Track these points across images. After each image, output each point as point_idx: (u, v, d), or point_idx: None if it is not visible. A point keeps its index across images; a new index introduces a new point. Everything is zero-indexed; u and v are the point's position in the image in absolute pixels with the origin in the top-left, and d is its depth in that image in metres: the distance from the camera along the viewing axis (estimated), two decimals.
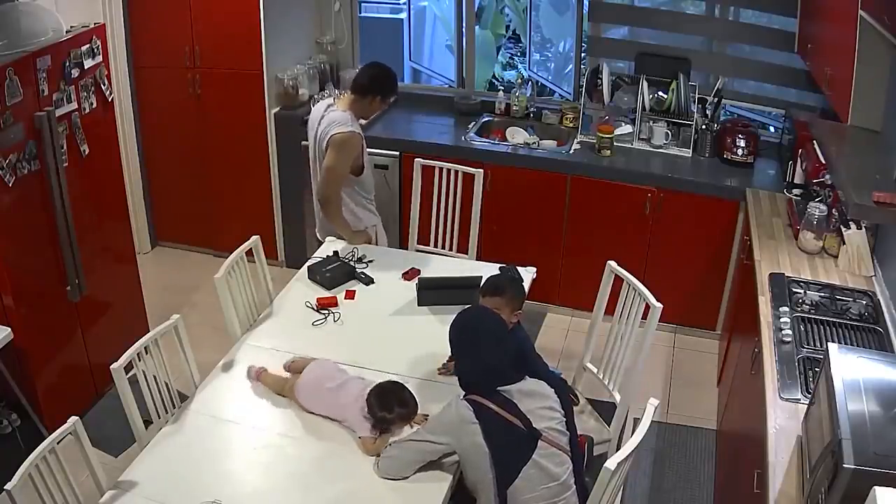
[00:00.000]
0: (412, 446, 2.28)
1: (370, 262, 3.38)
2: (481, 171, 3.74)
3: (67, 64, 3.19)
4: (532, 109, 4.59)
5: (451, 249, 3.80)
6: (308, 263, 3.33)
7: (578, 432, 2.38)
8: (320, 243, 3.60)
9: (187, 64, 4.37)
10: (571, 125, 4.45)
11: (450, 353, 2.77)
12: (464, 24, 4.84)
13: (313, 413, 2.52)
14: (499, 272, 3.27)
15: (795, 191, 3.64)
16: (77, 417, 2.20)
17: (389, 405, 2.38)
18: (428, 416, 2.49)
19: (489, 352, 2.28)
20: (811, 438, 2.02)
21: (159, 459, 2.36)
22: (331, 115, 3.37)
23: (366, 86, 3.38)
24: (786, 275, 3.03)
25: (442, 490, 2.25)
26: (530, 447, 2.19)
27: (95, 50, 3.34)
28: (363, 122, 3.52)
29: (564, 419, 2.30)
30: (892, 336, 2.66)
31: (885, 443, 1.70)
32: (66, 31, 3.24)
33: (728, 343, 3.74)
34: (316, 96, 4.47)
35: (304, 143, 3.74)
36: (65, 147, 3.23)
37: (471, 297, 3.06)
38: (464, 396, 2.28)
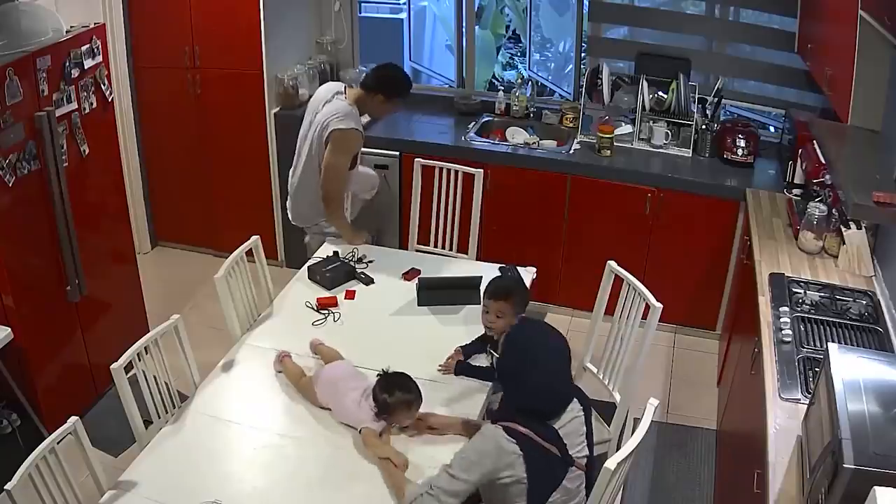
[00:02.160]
0: (450, 492, 2.06)
1: (370, 262, 3.38)
2: (481, 171, 3.74)
3: (67, 64, 3.18)
4: (532, 109, 4.58)
5: (451, 249, 3.80)
6: (308, 263, 3.34)
7: None
8: (300, 229, 3.67)
9: (187, 64, 4.36)
10: (571, 125, 4.44)
11: (449, 352, 2.80)
12: (464, 24, 4.84)
13: (323, 408, 2.53)
14: (499, 272, 3.27)
15: (795, 191, 3.64)
16: (77, 417, 2.20)
17: (391, 388, 2.38)
18: (431, 415, 2.48)
19: (542, 374, 2.14)
20: (811, 438, 2.02)
21: (159, 459, 2.36)
22: (336, 104, 3.35)
23: (371, 83, 3.38)
24: (786, 275, 3.03)
25: None
26: (563, 474, 2.14)
27: (95, 50, 3.34)
28: (365, 119, 3.51)
29: (587, 438, 2.25)
30: (892, 336, 2.66)
31: (885, 443, 1.70)
32: (66, 31, 3.24)
33: (728, 343, 3.74)
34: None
35: None
36: (65, 147, 3.23)
37: (471, 297, 3.07)
38: (499, 425, 2.12)
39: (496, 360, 2.41)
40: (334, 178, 3.37)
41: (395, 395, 2.37)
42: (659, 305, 2.77)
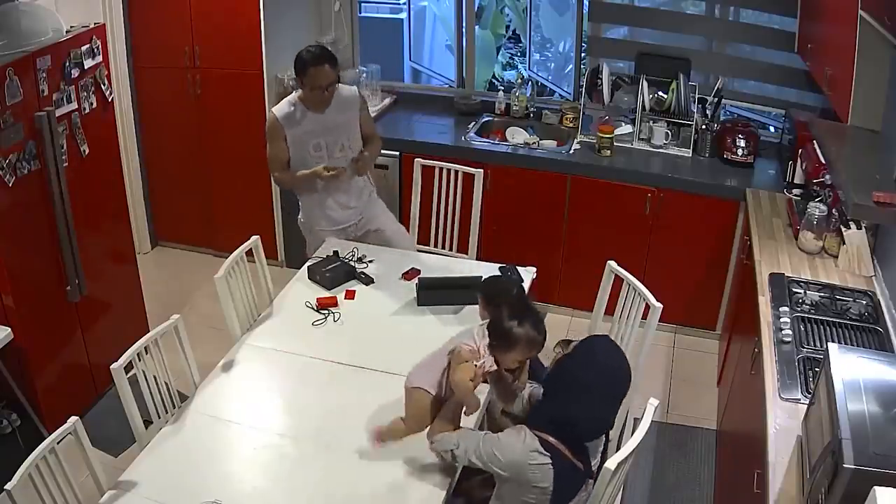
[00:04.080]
0: (484, 450, 2.06)
1: (370, 262, 3.38)
2: (481, 171, 3.74)
3: (67, 64, 3.18)
4: (532, 109, 4.59)
5: (451, 249, 3.80)
6: (308, 263, 3.34)
7: None
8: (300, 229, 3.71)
9: (187, 64, 4.36)
10: (571, 125, 4.44)
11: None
12: (464, 24, 4.84)
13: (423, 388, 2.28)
14: (499, 272, 3.27)
15: (795, 191, 3.64)
16: (77, 417, 2.21)
17: (523, 319, 1.93)
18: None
19: (586, 408, 2.05)
20: (811, 438, 2.02)
21: (159, 459, 2.36)
22: None
23: None
24: (786, 275, 3.03)
25: (441, 490, 2.25)
26: (582, 486, 2.14)
27: (95, 50, 3.34)
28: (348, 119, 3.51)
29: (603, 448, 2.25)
30: (892, 336, 2.66)
31: (885, 443, 1.70)
32: (66, 31, 3.24)
33: (728, 343, 3.74)
34: None
35: None
36: (65, 147, 3.23)
37: (471, 297, 3.06)
38: (535, 435, 2.07)
39: (545, 373, 2.20)
40: (270, 165, 3.51)
41: (526, 327, 1.96)
42: (659, 305, 2.77)
